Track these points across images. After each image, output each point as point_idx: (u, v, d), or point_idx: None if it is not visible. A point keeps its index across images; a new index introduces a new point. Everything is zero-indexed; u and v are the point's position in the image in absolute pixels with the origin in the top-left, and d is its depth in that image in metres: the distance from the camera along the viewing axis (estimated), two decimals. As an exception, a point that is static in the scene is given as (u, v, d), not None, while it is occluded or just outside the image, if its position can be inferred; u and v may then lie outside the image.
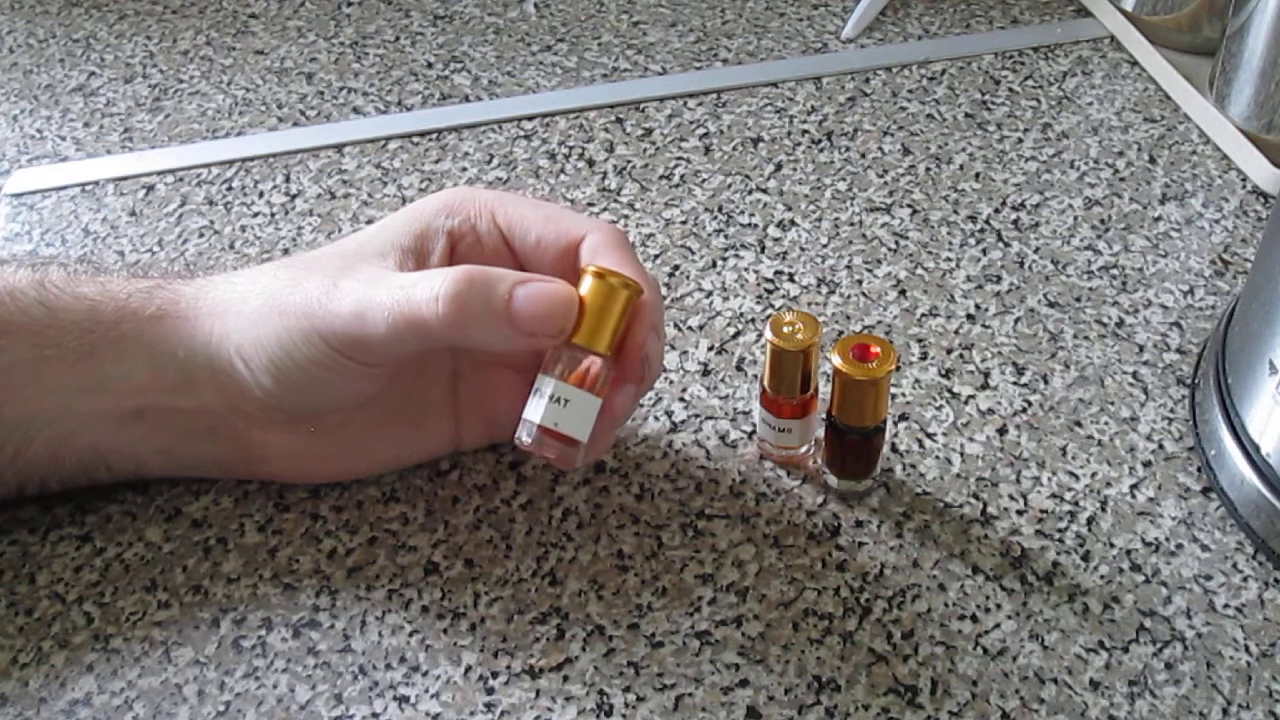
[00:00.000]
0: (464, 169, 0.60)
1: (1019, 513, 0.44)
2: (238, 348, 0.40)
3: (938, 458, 0.46)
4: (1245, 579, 0.42)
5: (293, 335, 0.39)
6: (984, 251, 0.55)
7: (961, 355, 0.50)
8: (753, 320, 0.52)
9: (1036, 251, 0.55)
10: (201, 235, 0.57)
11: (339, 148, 0.62)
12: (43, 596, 0.43)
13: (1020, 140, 0.61)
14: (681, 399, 0.49)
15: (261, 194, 0.59)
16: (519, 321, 0.37)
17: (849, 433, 0.43)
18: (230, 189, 0.60)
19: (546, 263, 0.41)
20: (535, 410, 0.38)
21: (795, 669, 0.40)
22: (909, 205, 0.58)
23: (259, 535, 0.44)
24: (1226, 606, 0.42)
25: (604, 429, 0.39)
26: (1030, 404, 0.48)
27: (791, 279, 0.54)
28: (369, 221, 0.57)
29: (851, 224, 0.57)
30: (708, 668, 0.40)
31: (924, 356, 0.50)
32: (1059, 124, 0.62)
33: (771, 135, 0.62)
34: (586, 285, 0.38)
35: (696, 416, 0.48)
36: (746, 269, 0.54)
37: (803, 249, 0.55)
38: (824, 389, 0.46)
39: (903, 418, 0.48)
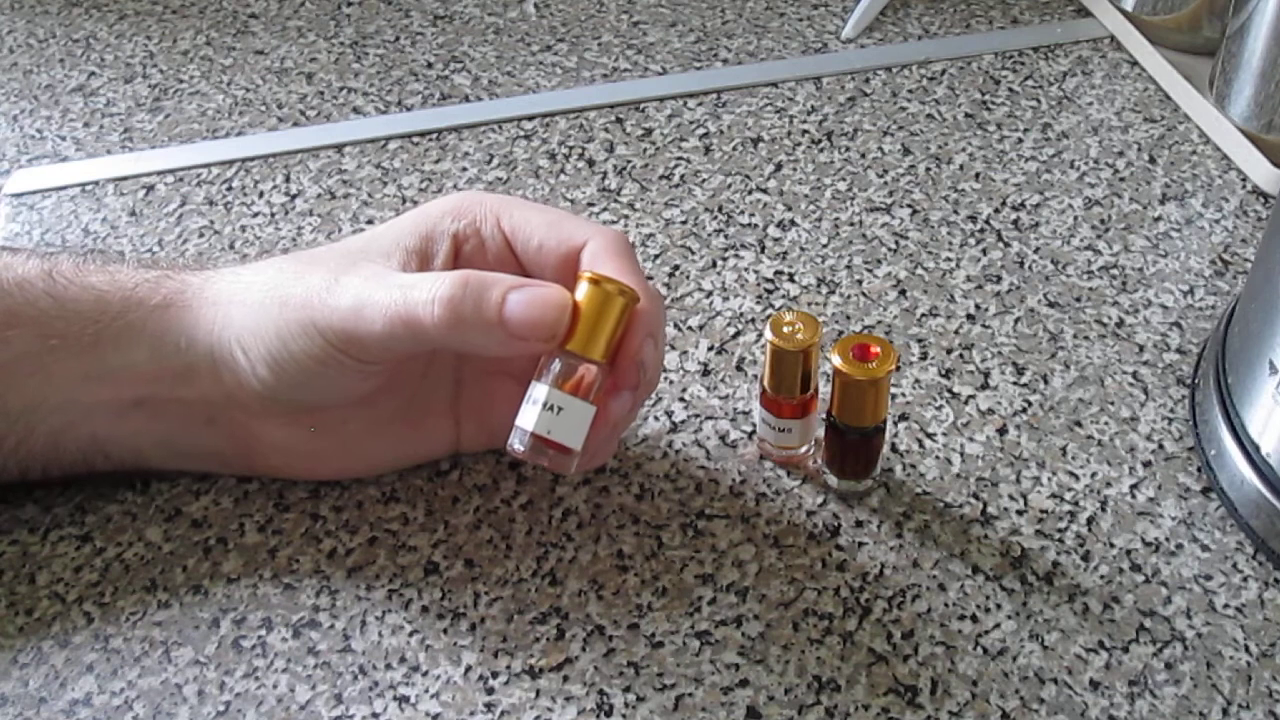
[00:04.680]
0: (464, 169, 0.60)
1: (1019, 513, 0.44)
2: (238, 337, 0.40)
3: (938, 458, 0.46)
4: (1245, 579, 0.42)
5: (291, 327, 0.39)
6: (984, 251, 0.55)
7: (961, 355, 0.50)
8: (753, 320, 0.52)
9: (1036, 251, 0.55)
10: (201, 235, 0.57)
11: (339, 148, 0.62)
12: (43, 596, 0.43)
13: (1020, 140, 0.61)
14: (681, 399, 0.49)
15: (261, 194, 0.59)
16: (511, 326, 0.37)
17: (849, 433, 0.43)
18: (230, 189, 0.60)
19: (549, 268, 0.41)
20: (528, 417, 0.38)
21: (795, 669, 0.40)
22: (909, 205, 0.58)
23: (259, 535, 0.44)
24: (1226, 606, 0.42)
25: (602, 436, 0.39)
26: (1030, 404, 0.48)
27: (791, 279, 0.54)
28: (369, 221, 0.58)
29: (851, 224, 0.57)
30: (708, 668, 0.40)
31: (924, 356, 0.50)
32: (1059, 124, 0.62)
33: (771, 135, 0.62)
34: (582, 291, 0.38)
35: (696, 416, 0.48)
36: (746, 269, 0.54)
37: (803, 249, 0.55)
38: (824, 389, 0.46)
39: (903, 418, 0.48)
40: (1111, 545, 0.43)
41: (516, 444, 0.38)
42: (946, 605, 0.42)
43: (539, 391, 0.38)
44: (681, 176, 0.59)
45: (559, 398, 0.38)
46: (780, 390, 0.43)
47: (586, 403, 0.38)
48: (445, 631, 0.41)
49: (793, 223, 0.57)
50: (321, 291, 0.39)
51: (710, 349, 0.51)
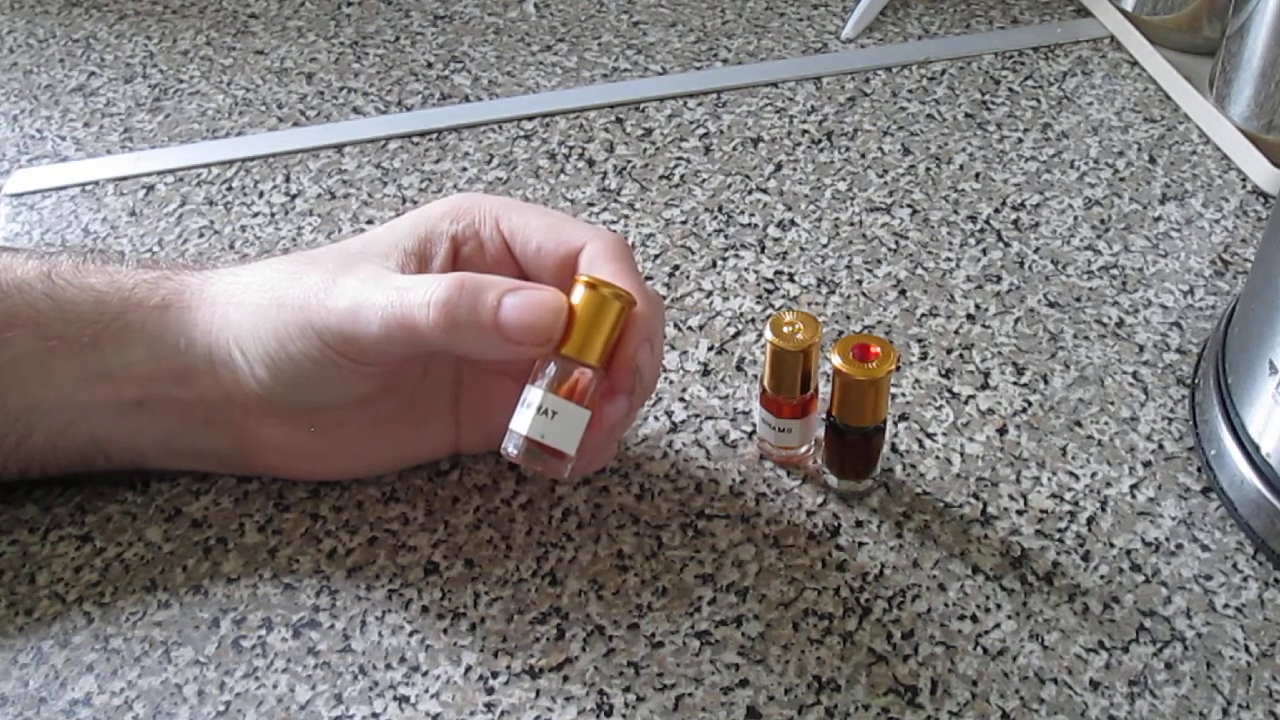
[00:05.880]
0: (464, 169, 0.60)
1: (1019, 513, 0.44)
2: (236, 338, 0.40)
3: (938, 458, 0.46)
4: (1245, 579, 0.42)
5: (289, 329, 0.39)
6: (984, 251, 0.55)
7: (961, 355, 0.50)
8: (753, 320, 0.52)
9: (1036, 251, 0.55)
10: (201, 235, 0.57)
11: (339, 148, 0.62)
12: (43, 596, 0.43)
13: (1020, 140, 0.61)
14: (681, 399, 0.49)
15: (261, 194, 0.59)
16: (506, 330, 0.37)
17: (849, 433, 0.43)
18: (230, 189, 0.60)
19: (547, 271, 0.41)
20: (522, 421, 0.38)
21: (795, 669, 0.40)
22: (909, 205, 0.58)
23: (259, 535, 0.44)
24: (1226, 606, 0.42)
25: (598, 441, 0.39)
26: (1030, 404, 0.48)
27: (791, 279, 0.54)
28: (369, 222, 0.58)
29: (851, 224, 0.57)
30: (708, 668, 0.40)
31: (924, 356, 0.50)
32: (1059, 124, 0.62)
33: (771, 135, 0.62)
34: (578, 295, 0.38)
35: (696, 416, 0.48)
36: (746, 269, 0.54)
37: (803, 249, 0.55)
38: (824, 389, 0.46)
39: (903, 418, 0.48)
40: (1111, 545, 0.43)
41: (510, 448, 0.38)
42: (946, 605, 0.42)
43: (533, 395, 0.38)
44: (681, 176, 0.59)
45: (554, 402, 0.37)
46: (780, 390, 0.43)
47: (581, 407, 0.38)
48: (445, 631, 0.41)
49: (793, 223, 0.57)
50: (319, 293, 0.38)
51: (710, 349, 0.51)
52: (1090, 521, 0.44)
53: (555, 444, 0.38)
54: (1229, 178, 0.59)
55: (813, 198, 0.58)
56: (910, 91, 0.65)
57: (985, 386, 0.49)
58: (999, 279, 0.54)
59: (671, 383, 0.49)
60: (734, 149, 0.61)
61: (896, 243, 0.56)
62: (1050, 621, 0.41)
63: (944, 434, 0.47)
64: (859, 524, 0.44)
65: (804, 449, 0.46)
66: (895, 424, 0.47)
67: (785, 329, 0.41)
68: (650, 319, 0.39)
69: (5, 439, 0.42)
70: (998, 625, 0.41)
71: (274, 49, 0.69)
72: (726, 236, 0.56)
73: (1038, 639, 0.41)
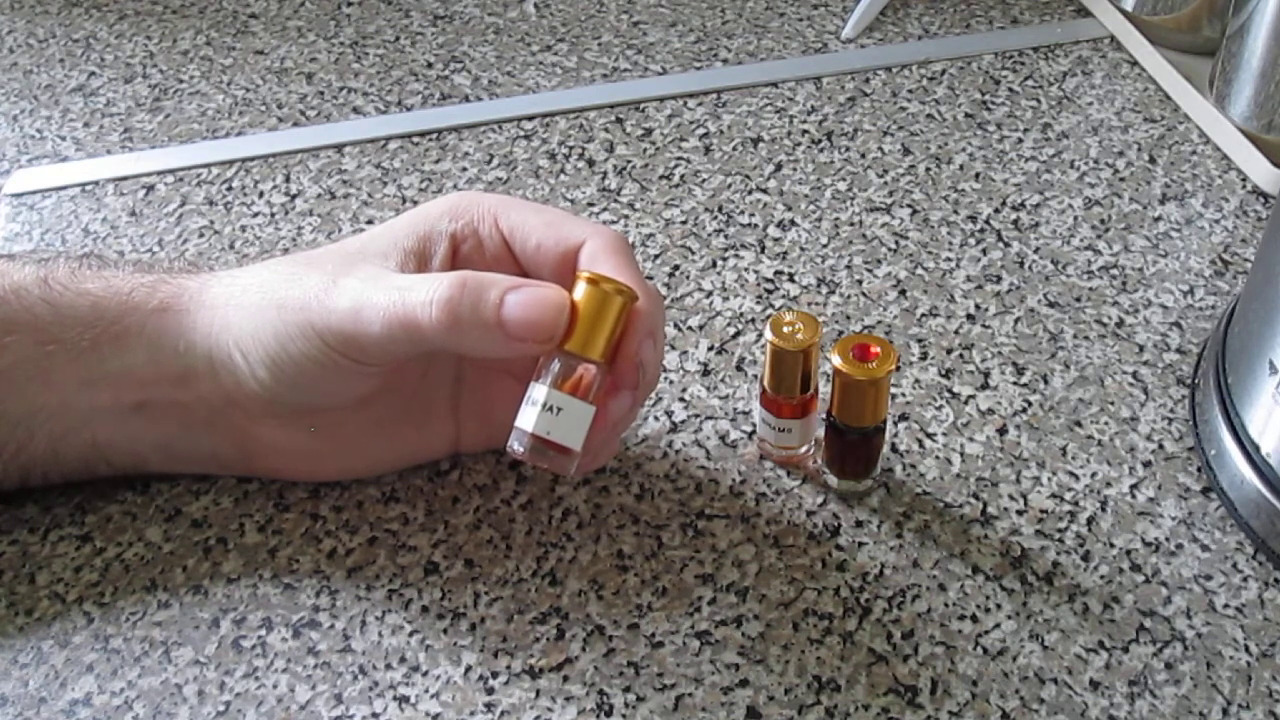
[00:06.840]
0: (464, 169, 0.60)
1: (1019, 513, 0.44)
2: (236, 340, 0.40)
3: (938, 458, 0.46)
4: (1245, 579, 0.42)
5: (289, 330, 0.39)
6: (984, 251, 0.55)
7: (961, 355, 0.50)
8: (753, 320, 0.52)
9: (1036, 251, 0.55)
10: (201, 235, 0.57)
11: (339, 148, 0.62)
12: (43, 596, 0.43)
13: (1020, 140, 0.61)
14: (681, 399, 0.49)
15: (261, 194, 0.59)
16: (509, 327, 0.37)
17: (849, 433, 0.43)
18: (230, 189, 0.60)
19: (546, 268, 0.41)
20: (527, 418, 0.38)
21: (795, 669, 0.40)
22: (909, 205, 0.58)
23: (259, 535, 0.44)
24: (1226, 606, 0.42)
25: (602, 436, 0.39)
26: (1030, 404, 0.48)
27: (791, 279, 0.54)
28: (369, 221, 0.58)
29: (851, 224, 0.57)
30: (708, 668, 0.40)
31: (924, 356, 0.50)
32: (1059, 124, 0.62)
33: (771, 135, 0.62)
34: (580, 291, 0.38)
35: (696, 416, 0.48)
36: (746, 269, 0.54)
37: (803, 249, 0.55)
38: (824, 389, 0.46)
39: (903, 418, 0.48)
40: (1111, 545, 0.43)
41: (516, 445, 0.38)
42: (946, 605, 0.42)
43: (538, 392, 0.38)
44: (681, 176, 0.59)
45: (558, 398, 0.38)
46: (780, 390, 0.43)
47: (586, 403, 0.38)
48: (445, 631, 0.41)
49: (793, 223, 0.57)
50: (319, 294, 0.38)
51: (710, 349, 0.51)
52: (1090, 521, 0.44)
53: (561, 440, 0.38)
54: (1229, 178, 0.59)
55: (813, 198, 0.58)
56: (910, 91, 0.65)
57: (985, 386, 0.49)
58: (999, 279, 0.54)
59: (671, 383, 0.49)
60: (734, 149, 0.61)
61: (896, 243, 0.56)
62: (1050, 621, 0.41)
63: (944, 434, 0.47)
64: (859, 524, 0.44)
65: (804, 449, 0.46)
66: (895, 424, 0.47)
67: (785, 329, 0.41)
68: (652, 313, 0.39)
69: (6, 445, 0.42)
70: (998, 625, 0.41)
71: (274, 49, 0.69)
72: (726, 236, 0.56)
73: (1038, 639, 0.41)
